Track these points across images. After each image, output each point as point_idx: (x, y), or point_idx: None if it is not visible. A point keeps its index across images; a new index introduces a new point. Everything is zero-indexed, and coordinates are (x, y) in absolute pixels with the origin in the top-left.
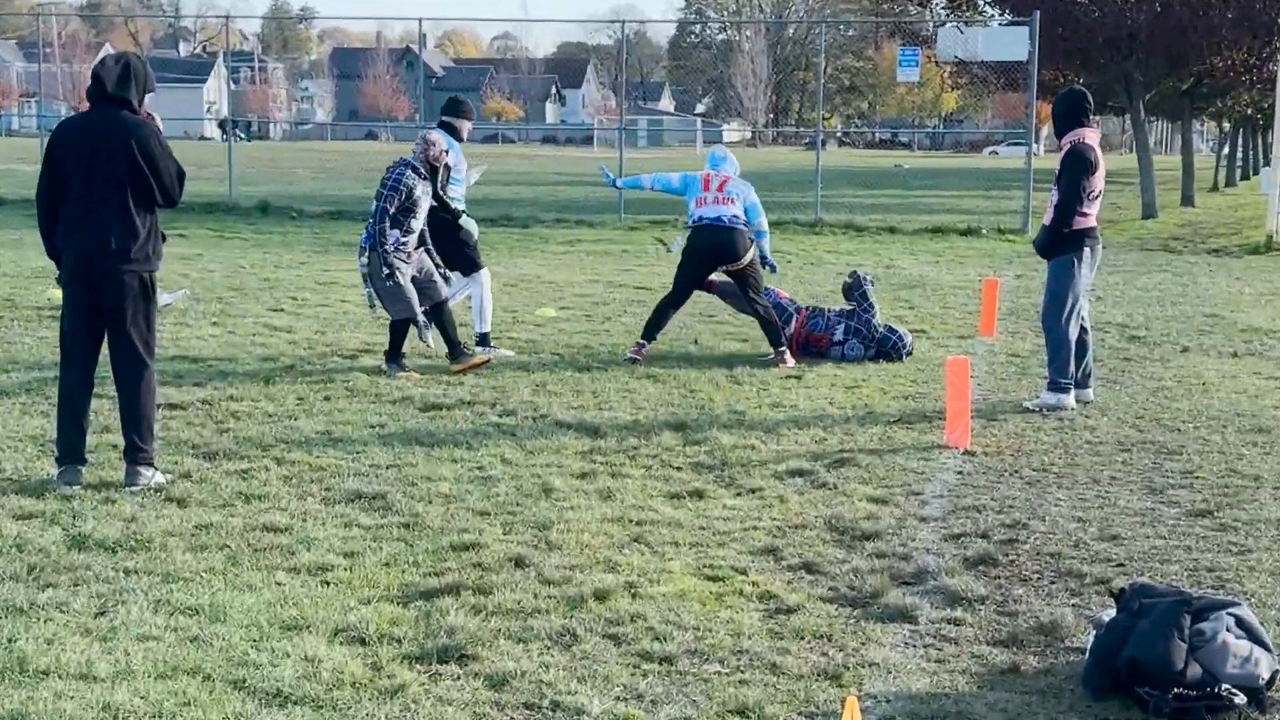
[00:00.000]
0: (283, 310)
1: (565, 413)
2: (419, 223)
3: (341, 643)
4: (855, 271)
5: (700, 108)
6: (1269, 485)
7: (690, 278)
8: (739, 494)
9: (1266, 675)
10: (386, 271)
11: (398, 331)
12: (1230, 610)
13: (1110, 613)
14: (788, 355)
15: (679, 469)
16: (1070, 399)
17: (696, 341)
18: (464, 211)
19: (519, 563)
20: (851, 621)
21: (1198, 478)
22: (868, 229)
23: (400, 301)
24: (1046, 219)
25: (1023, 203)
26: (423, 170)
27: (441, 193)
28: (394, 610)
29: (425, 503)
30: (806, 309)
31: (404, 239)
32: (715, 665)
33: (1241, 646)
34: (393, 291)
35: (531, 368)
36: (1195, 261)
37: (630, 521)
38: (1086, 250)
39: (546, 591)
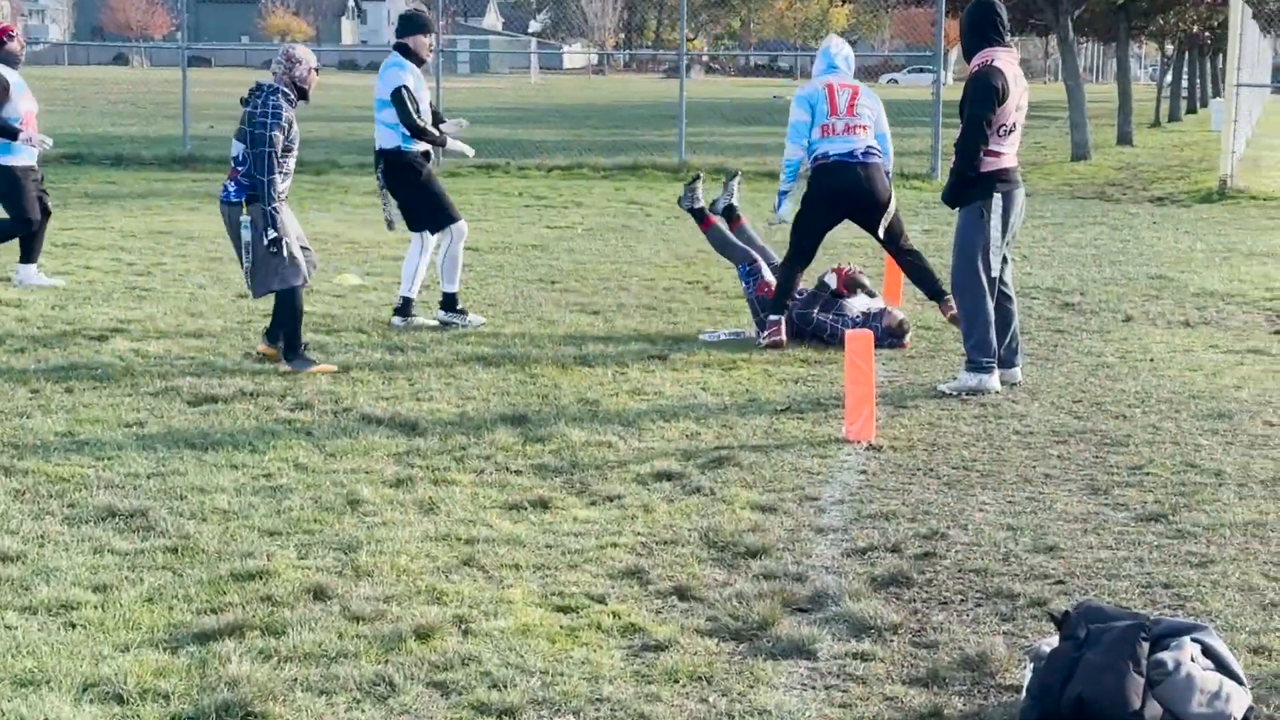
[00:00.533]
0: (7, 280)
1: (374, 405)
2: (293, 164)
3: (92, 701)
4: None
5: (534, 26)
6: (1232, 482)
7: (818, 231)
8: (593, 503)
9: (1239, 714)
10: (273, 235)
11: (288, 310)
12: (1195, 636)
13: (1051, 642)
14: (950, 304)
15: (518, 473)
16: (993, 380)
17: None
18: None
19: (319, 594)
20: (736, 659)
21: (1148, 474)
22: (743, 174)
23: (282, 271)
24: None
25: (930, 142)
26: (292, 96)
27: (418, 120)
28: (160, 658)
29: (198, 520)
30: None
31: (283, 189)
32: (568, 718)
33: (1209, 679)
34: (274, 261)
35: (330, 349)
36: (1136, 212)
37: (459, 540)
38: (998, 197)
39: (355, 630)
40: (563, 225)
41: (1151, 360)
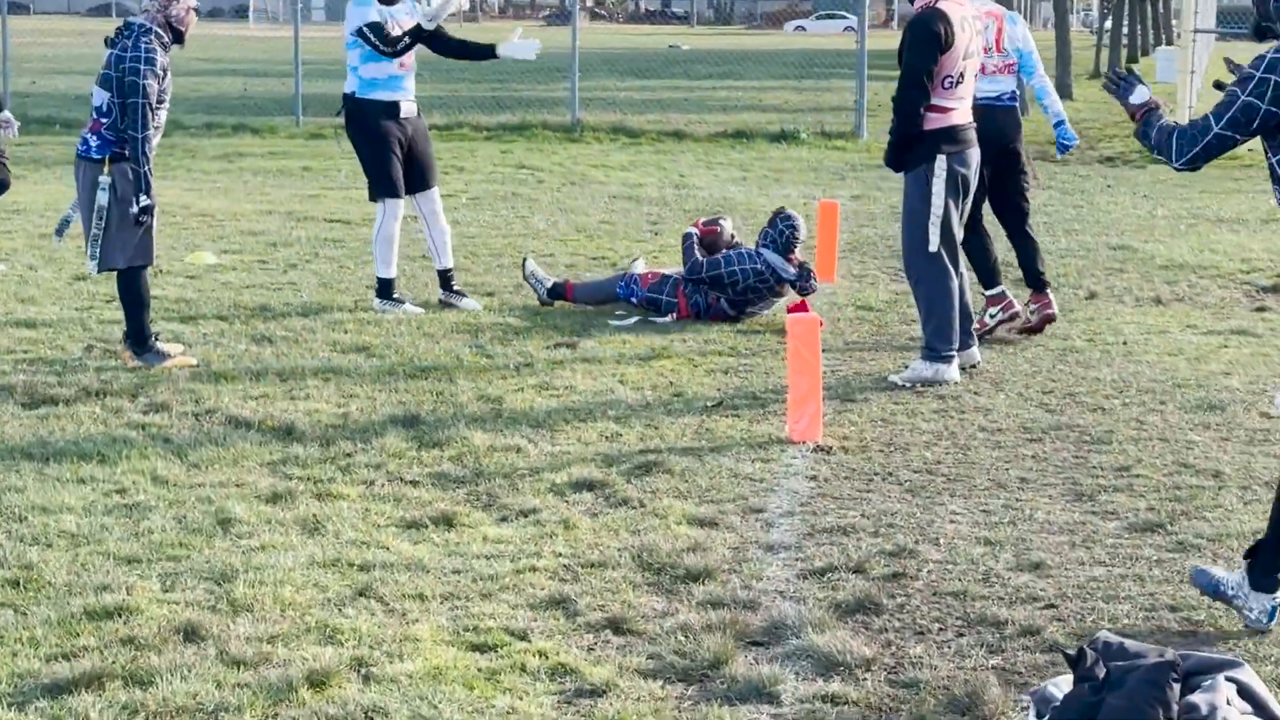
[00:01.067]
0: None
1: (242, 406)
2: (165, 118)
3: None
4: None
5: None
6: (1233, 484)
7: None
8: (504, 519)
9: None
10: (146, 203)
11: (133, 295)
12: (1229, 674)
13: (1060, 683)
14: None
15: (414, 484)
16: (952, 370)
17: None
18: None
19: (190, 634)
20: (686, 705)
21: (1137, 476)
22: (645, 134)
23: (134, 246)
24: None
25: (855, 96)
26: (166, 38)
27: (394, 41)
28: (4, 717)
29: (42, 546)
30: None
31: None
32: None
33: None
34: (129, 234)
35: (188, 339)
36: (1086, 175)
37: (351, 565)
38: (943, 159)
39: (235, 678)
40: (444, 194)
41: (1125, 344)
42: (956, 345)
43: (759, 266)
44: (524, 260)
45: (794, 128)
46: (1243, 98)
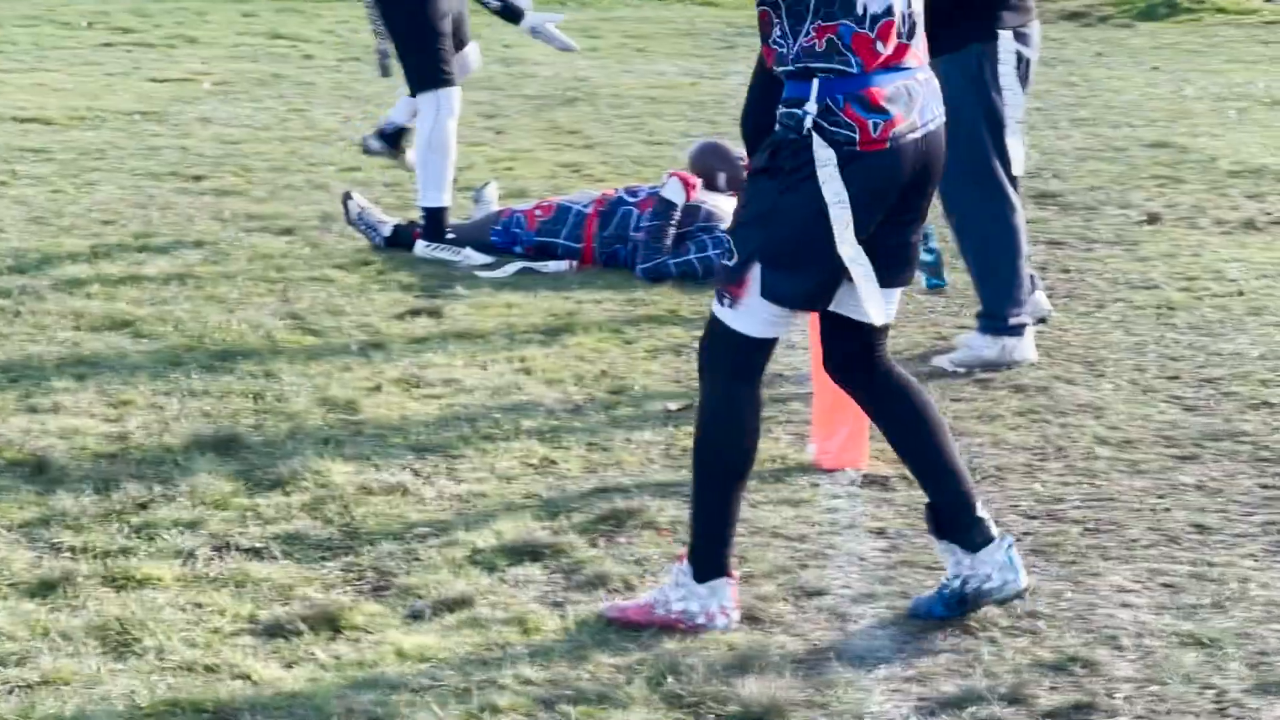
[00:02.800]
0: None
1: None
2: None
3: None
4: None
5: None
6: None
7: None
8: (417, 616)
9: None
10: None
11: None
12: None
13: None
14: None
15: (257, 554)
16: (1026, 345)
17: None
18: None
19: None
20: None
21: None
22: None
23: None
24: None
25: None
26: None
27: None
28: None
29: None
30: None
31: None
32: None
33: None
34: None
35: None
36: (1061, 38)
37: (200, 713)
38: (1007, 35)
39: None
40: (177, 78)
41: (1241, 293)
42: (1028, 309)
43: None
44: (345, 197)
45: None
46: None
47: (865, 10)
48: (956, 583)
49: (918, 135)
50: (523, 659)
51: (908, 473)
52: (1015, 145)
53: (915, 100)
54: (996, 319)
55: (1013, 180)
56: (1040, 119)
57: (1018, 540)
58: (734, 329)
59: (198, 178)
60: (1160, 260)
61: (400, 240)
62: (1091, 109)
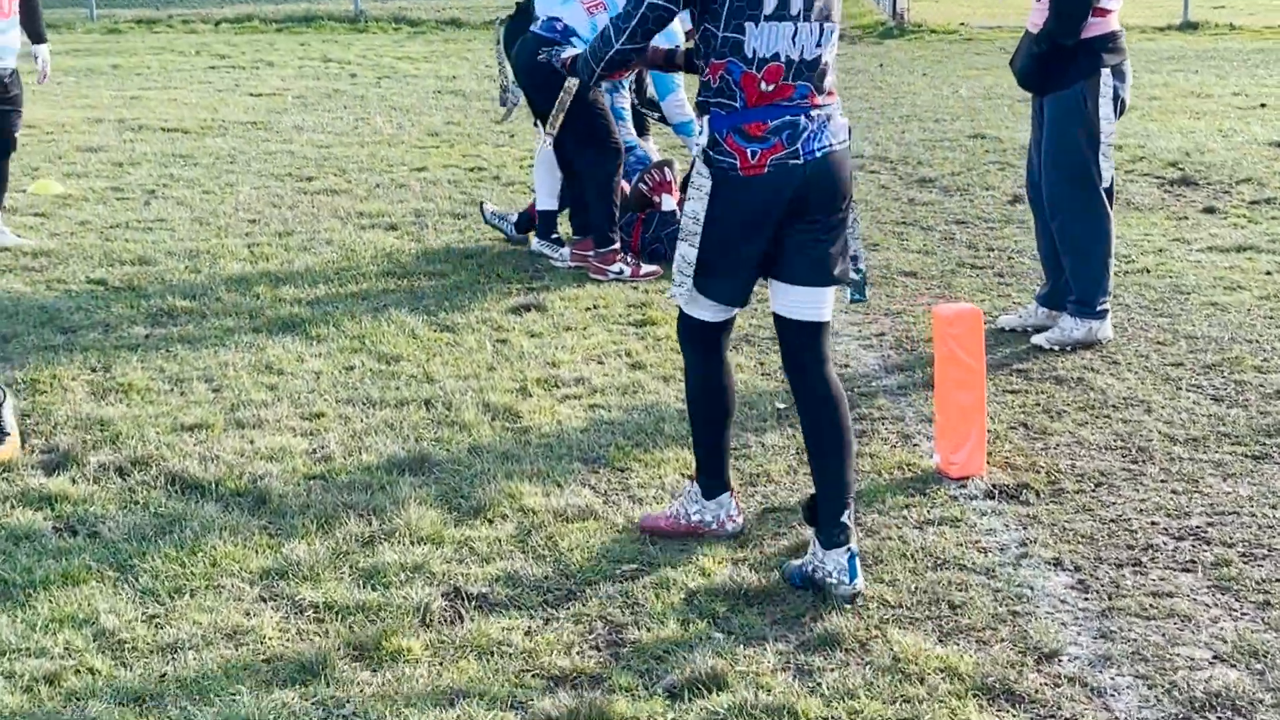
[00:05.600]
0: None
1: (187, 454)
2: None
3: None
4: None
5: None
6: None
7: None
8: (667, 694)
9: None
10: None
11: None
12: None
13: None
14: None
15: (486, 597)
16: (1107, 327)
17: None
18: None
19: None
20: None
21: None
22: (426, 23)
23: None
24: (1033, 22)
25: None
26: None
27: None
28: None
29: None
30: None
31: None
32: None
33: None
34: None
35: (63, 323)
36: (847, 53)
37: None
38: (1107, 73)
39: None
40: (268, 93)
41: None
42: (1110, 298)
43: None
44: (480, 205)
45: None
46: None
47: (754, 54)
48: (808, 567)
49: (800, 161)
50: None
51: (1031, 480)
52: (1106, 164)
53: (802, 132)
54: (1087, 306)
55: (1107, 192)
56: (878, 117)
57: (1180, 565)
58: (690, 314)
59: (309, 178)
60: (1152, 252)
61: (524, 226)
62: (906, 108)
